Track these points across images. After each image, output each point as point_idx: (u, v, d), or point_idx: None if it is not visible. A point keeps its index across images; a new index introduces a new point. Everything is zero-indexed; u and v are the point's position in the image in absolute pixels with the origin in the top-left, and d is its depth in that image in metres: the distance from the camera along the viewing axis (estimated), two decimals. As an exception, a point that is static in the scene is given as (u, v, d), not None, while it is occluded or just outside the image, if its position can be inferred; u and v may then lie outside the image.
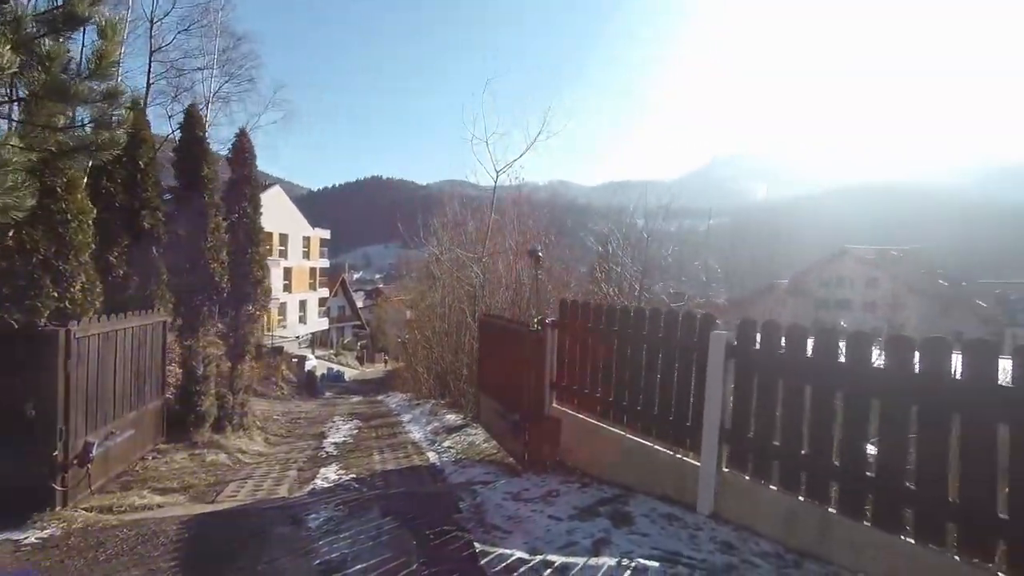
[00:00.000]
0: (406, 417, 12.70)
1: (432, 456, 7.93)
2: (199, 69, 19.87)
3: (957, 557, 2.77)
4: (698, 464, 4.12)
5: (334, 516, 4.62)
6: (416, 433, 10.26)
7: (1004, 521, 2.63)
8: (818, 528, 3.35)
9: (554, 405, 5.88)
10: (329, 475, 6.66)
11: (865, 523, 3.15)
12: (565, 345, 5.76)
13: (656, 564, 3.34)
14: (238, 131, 10.84)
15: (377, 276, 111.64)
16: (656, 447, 4.61)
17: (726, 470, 3.97)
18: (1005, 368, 2.67)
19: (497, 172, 13.15)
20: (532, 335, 5.98)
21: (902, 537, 3.00)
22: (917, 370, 2.92)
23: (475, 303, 12.83)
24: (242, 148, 10.58)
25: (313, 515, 4.69)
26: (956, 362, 2.84)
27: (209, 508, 5.40)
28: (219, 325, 9.67)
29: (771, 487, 3.68)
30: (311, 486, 6.15)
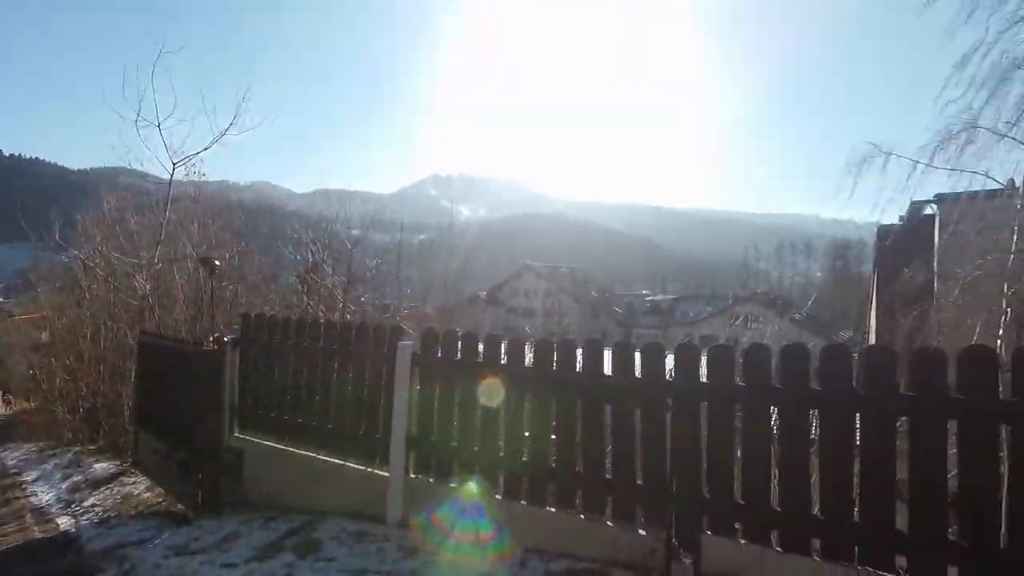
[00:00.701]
0: (31, 475, 9.54)
1: (65, 522, 6.11)
2: None
3: (583, 516, 3.44)
4: (387, 475, 4.17)
5: None
6: (45, 494, 7.78)
7: (610, 481, 3.39)
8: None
9: (236, 435, 5.21)
10: None
11: (522, 501, 3.65)
12: (250, 365, 5.18)
13: (339, 588, 3.23)
14: None
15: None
16: (349, 464, 4.50)
17: (413, 476, 4.12)
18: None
19: (174, 164, 11.06)
20: (207, 356, 5.19)
21: (547, 508, 3.58)
22: (555, 367, 3.56)
23: (143, 321, 10.56)
24: None
25: None
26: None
27: None
28: None
29: (451, 485, 3.96)
30: None
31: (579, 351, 3.49)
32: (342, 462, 4.53)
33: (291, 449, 4.87)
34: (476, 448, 3.83)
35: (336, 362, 4.65)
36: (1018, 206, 8.17)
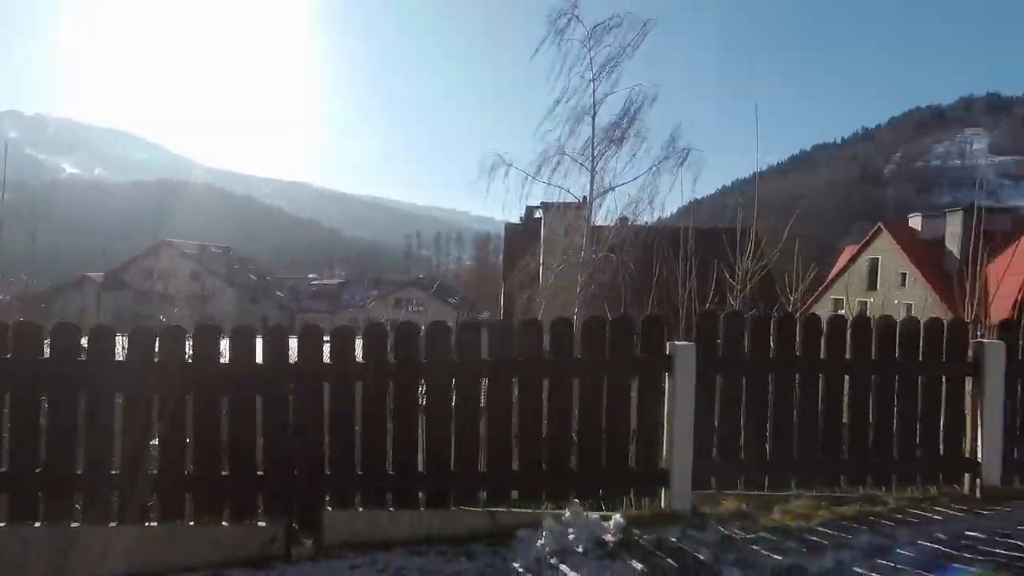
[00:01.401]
0: None
1: None
2: None
3: (192, 523, 3.09)
4: None
5: None
6: None
7: (228, 478, 3.12)
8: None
9: None
10: None
11: (112, 523, 3.04)
12: None
13: None
14: None
15: None
16: None
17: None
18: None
19: None
20: None
21: (149, 524, 3.07)
22: (157, 358, 3.05)
23: None
24: None
25: None
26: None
27: None
28: None
29: (-3, 523, 2.99)
30: None
31: (188, 338, 3.08)
32: None
33: None
34: (38, 470, 2.98)
35: None
36: (585, 216, 11.16)
